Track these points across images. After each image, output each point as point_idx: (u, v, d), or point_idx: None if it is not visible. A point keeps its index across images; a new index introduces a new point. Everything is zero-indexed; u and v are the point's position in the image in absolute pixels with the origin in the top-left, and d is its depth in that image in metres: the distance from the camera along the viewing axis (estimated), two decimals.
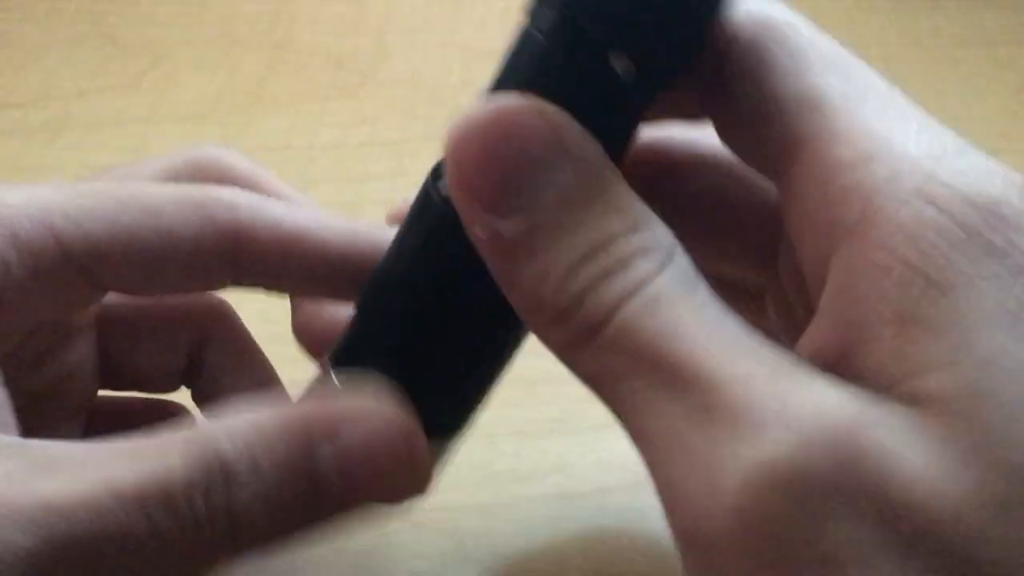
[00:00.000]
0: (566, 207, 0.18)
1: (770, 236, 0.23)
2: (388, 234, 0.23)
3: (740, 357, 0.17)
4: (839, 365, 0.17)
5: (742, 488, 0.15)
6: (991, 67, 0.51)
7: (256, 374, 0.28)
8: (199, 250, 0.23)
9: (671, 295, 0.17)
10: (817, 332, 0.17)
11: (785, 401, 0.16)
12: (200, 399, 0.29)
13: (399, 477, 0.20)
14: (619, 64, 0.19)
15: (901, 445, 0.15)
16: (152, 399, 0.28)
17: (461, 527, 0.31)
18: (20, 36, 0.51)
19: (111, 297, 0.25)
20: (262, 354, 0.28)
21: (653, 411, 0.17)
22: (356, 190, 0.43)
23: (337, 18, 0.53)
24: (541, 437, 0.33)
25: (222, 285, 0.24)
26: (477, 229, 0.18)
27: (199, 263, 0.23)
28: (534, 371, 0.24)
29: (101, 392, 0.27)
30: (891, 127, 0.19)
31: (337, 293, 0.24)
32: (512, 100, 0.18)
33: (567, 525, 0.31)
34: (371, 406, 0.20)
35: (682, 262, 0.18)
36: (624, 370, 0.17)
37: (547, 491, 0.32)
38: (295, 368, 0.27)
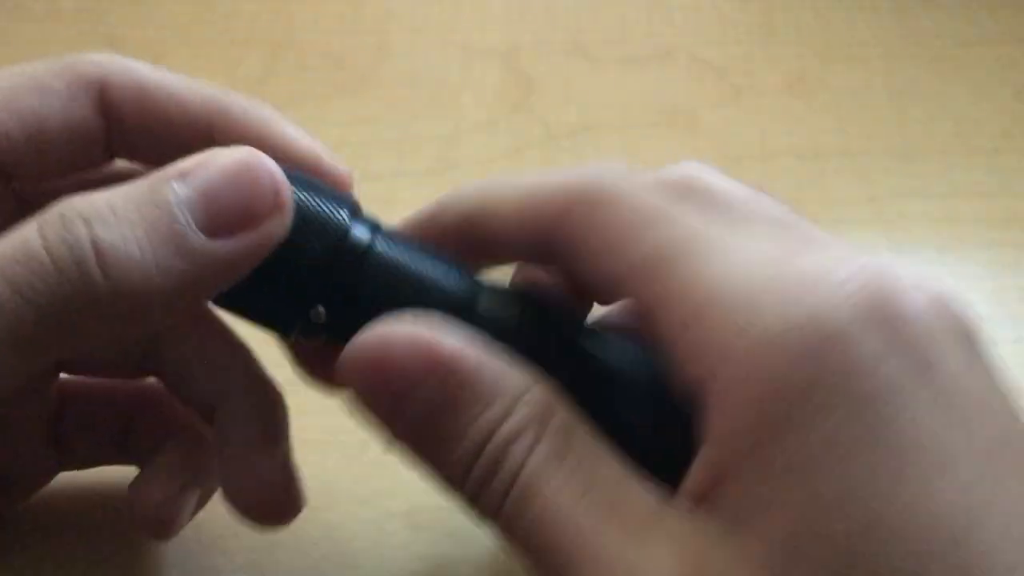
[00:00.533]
0: (445, 411, 0.21)
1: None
2: (257, 108, 0.25)
3: (599, 526, 0.20)
4: (710, 498, 0.19)
5: None
6: (991, 67, 0.51)
7: (221, 344, 0.28)
8: (72, 103, 0.24)
9: (539, 478, 0.20)
10: (696, 470, 0.20)
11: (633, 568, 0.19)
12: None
13: (261, 208, 0.21)
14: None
15: None
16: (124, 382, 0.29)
17: (461, 527, 0.31)
18: (20, 36, 0.51)
19: None
20: (226, 326, 0.28)
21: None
22: (356, 190, 0.42)
23: (337, 18, 0.53)
24: None
25: (104, 158, 0.25)
26: (383, 436, 0.22)
27: (75, 119, 0.24)
28: None
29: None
30: (712, 270, 0.20)
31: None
32: (384, 329, 0.21)
33: None
34: (223, 151, 0.21)
35: (555, 423, 0.21)
36: (519, 552, 0.20)
37: None
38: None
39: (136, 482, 0.28)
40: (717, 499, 0.19)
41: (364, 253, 0.23)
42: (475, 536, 0.31)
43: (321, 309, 0.23)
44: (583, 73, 0.50)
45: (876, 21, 0.53)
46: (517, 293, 0.24)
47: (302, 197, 0.22)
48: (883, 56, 0.51)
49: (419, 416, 0.21)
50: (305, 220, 0.22)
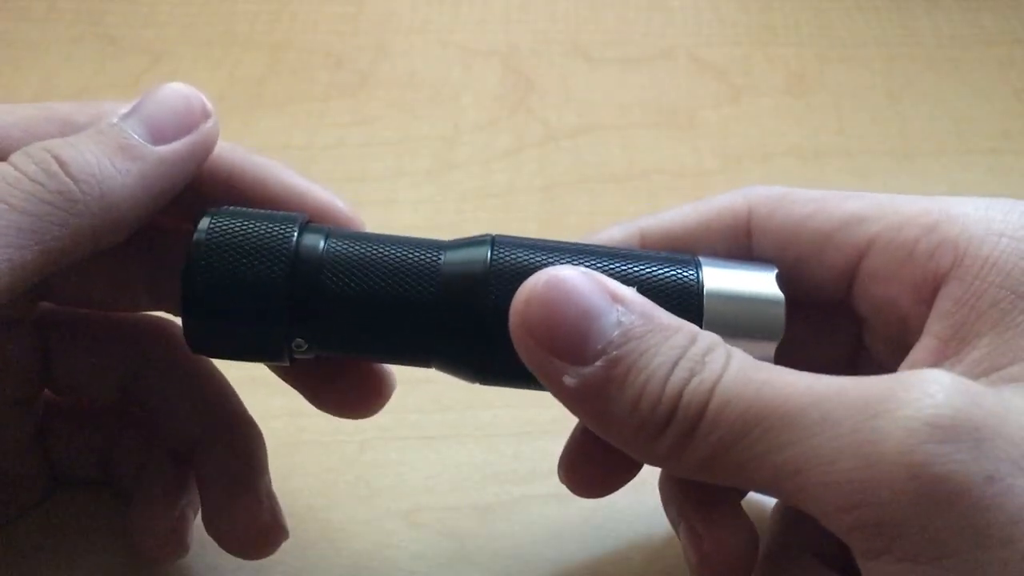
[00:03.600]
0: (633, 340, 0.21)
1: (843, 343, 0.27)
2: (267, 160, 0.27)
3: (840, 380, 0.20)
4: (943, 364, 0.21)
5: (907, 443, 0.18)
6: (991, 67, 0.51)
7: (200, 384, 0.29)
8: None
9: (749, 367, 0.21)
10: (922, 347, 0.22)
11: (908, 380, 0.19)
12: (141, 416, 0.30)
13: (194, 117, 0.25)
14: None
15: (1011, 402, 0.19)
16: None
17: (461, 527, 0.31)
18: (20, 36, 0.51)
19: (48, 306, 0.28)
20: (207, 364, 0.29)
21: (776, 447, 0.19)
22: (356, 190, 0.43)
23: (337, 18, 0.53)
24: (541, 437, 0.33)
25: None
26: (567, 381, 0.21)
27: None
28: None
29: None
30: (932, 205, 0.23)
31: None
32: (555, 269, 0.22)
33: (567, 525, 0.31)
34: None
35: (740, 351, 0.21)
36: (734, 435, 0.20)
37: (547, 491, 0.32)
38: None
39: (136, 511, 0.28)
40: (961, 360, 0.21)
41: (320, 255, 0.24)
42: (476, 536, 0.31)
43: (300, 340, 0.24)
44: (583, 73, 0.50)
45: (876, 21, 0.53)
46: (479, 239, 0.24)
47: (252, 225, 0.24)
48: (883, 56, 0.51)
49: (612, 341, 0.21)
50: (257, 245, 0.23)
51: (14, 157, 0.23)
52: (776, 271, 0.24)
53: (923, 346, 0.22)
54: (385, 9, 0.54)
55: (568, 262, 0.23)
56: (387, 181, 0.44)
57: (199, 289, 0.23)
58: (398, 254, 0.24)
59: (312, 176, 0.27)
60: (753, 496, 0.28)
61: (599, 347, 0.21)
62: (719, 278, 0.24)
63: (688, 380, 0.20)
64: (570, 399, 0.21)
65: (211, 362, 0.29)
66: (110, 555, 0.30)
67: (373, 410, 0.28)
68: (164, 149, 0.24)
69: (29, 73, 0.49)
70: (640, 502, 0.31)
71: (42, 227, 0.21)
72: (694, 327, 0.22)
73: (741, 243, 0.26)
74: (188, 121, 0.25)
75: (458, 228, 0.25)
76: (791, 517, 0.26)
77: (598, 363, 0.21)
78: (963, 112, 0.48)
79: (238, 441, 0.28)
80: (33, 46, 0.50)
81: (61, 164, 0.22)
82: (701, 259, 0.24)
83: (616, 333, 0.21)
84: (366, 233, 0.25)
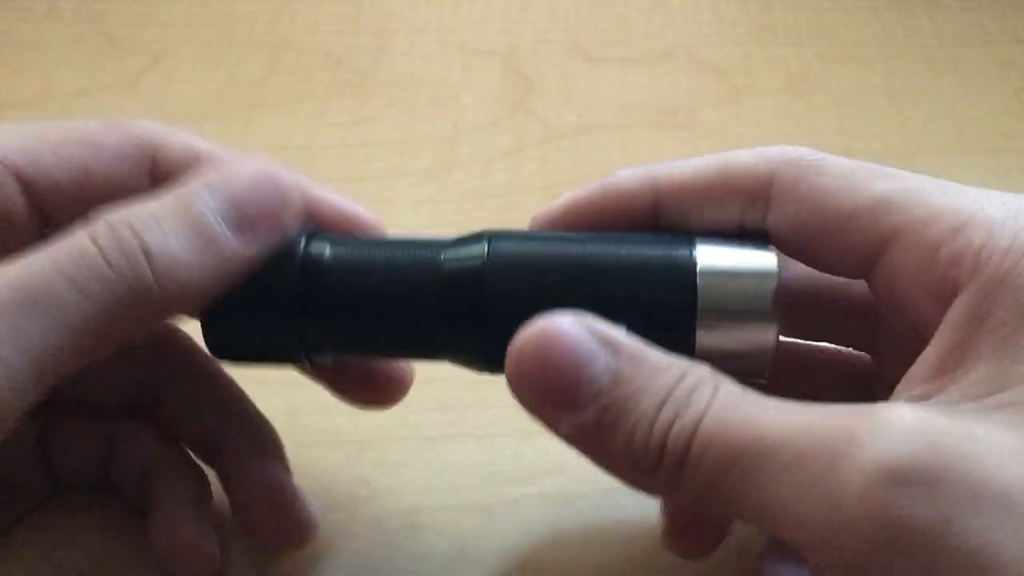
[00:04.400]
0: (622, 384, 0.21)
1: (863, 316, 0.27)
2: (295, 172, 0.26)
3: (808, 414, 0.20)
4: (939, 380, 0.21)
5: (865, 488, 0.18)
6: (991, 67, 0.51)
7: (219, 398, 0.30)
8: (122, 160, 0.26)
9: (732, 403, 0.21)
10: (925, 357, 0.22)
11: (872, 419, 0.19)
12: (165, 430, 0.30)
13: (279, 208, 0.24)
14: None
15: (980, 437, 0.19)
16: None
17: (461, 527, 0.31)
18: (20, 36, 0.51)
19: None
20: (225, 377, 0.30)
21: (752, 488, 0.20)
22: (356, 190, 0.42)
23: (337, 18, 0.53)
24: (541, 437, 0.33)
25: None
26: (563, 428, 0.22)
27: (123, 175, 0.26)
28: None
29: None
30: (962, 202, 0.23)
31: None
32: (546, 319, 0.22)
33: (567, 525, 0.31)
34: (243, 162, 0.24)
35: (728, 383, 0.21)
36: (717, 473, 0.20)
37: (547, 491, 0.32)
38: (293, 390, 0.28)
39: (161, 532, 0.28)
40: (956, 379, 0.21)
41: (326, 259, 0.25)
42: (476, 536, 0.31)
43: (314, 342, 0.25)
44: (583, 73, 0.50)
45: (876, 21, 0.53)
46: (477, 235, 0.25)
47: None
48: (883, 56, 0.51)
49: (602, 388, 0.21)
50: (268, 257, 0.24)
51: (99, 233, 0.22)
52: (775, 253, 0.24)
53: (925, 357, 0.22)
54: (385, 9, 0.54)
55: (562, 252, 0.24)
56: (387, 181, 0.44)
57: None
58: (400, 254, 0.25)
59: (312, 176, 0.27)
60: None
61: (590, 394, 0.21)
62: (714, 268, 0.24)
63: (673, 420, 0.21)
64: (567, 442, 0.22)
65: (223, 367, 0.30)
66: (109, 557, 0.30)
67: (395, 399, 0.29)
68: (245, 247, 0.23)
69: (29, 73, 0.49)
70: (642, 502, 0.30)
71: (109, 319, 0.21)
72: (684, 363, 0.22)
73: (757, 206, 0.25)
74: (274, 216, 0.24)
75: (458, 228, 0.25)
76: None
77: (590, 410, 0.21)
78: (963, 112, 0.48)
79: (265, 440, 0.29)
80: (33, 46, 0.50)
81: (147, 255, 0.22)
82: (696, 240, 0.24)
83: (606, 379, 0.21)
84: (371, 238, 0.26)
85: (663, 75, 0.50)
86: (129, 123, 0.27)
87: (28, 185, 0.25)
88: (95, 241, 0.22)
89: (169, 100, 0.47)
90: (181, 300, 0.22)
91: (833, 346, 0.29)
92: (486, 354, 0.24)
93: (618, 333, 0.22)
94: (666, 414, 0.21)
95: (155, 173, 0.26)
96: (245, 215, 0.23)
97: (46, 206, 0.25)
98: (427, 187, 0.43)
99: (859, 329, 0.28)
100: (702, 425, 0.20)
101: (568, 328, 0.21)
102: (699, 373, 0.21)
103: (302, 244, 0.24)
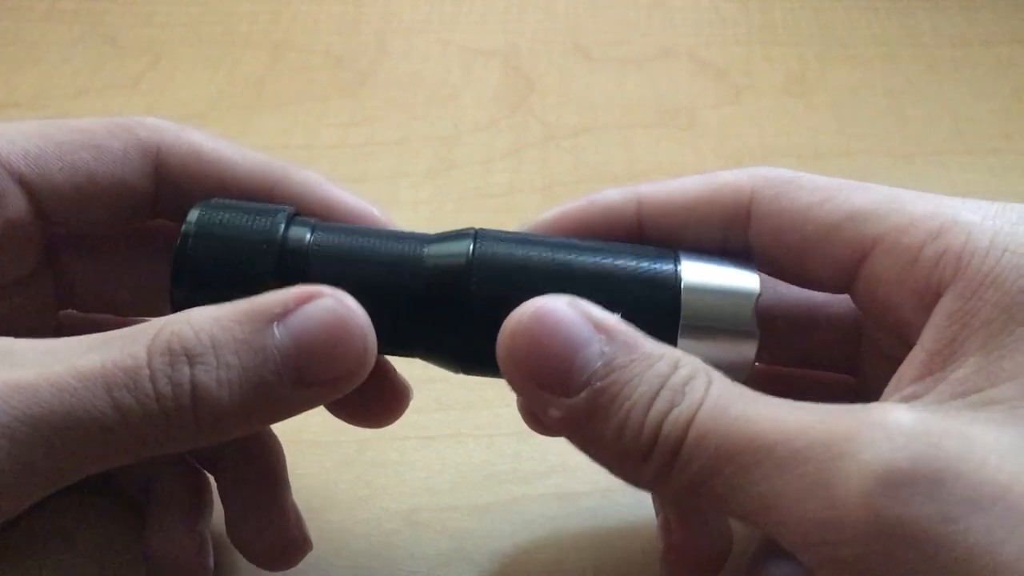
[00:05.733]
0: (616, 371, 0.21)
1: (845, 335, 0.28)
2: (307, 174, 0.26)
3: (803, 413, 0.20)
4: (929, 378, 0.21)
5: (866, 487, 0.18)
6: (991, 67, 0.51)
7: None
8: (126, 164, 0.25)
9: (727, 397, 0.21)
10: (911, 359, 0.22)
11: (871, 419, 0.19)
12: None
13: (348, 358, 0.22)
14: None
15: (976, 437, 0.19)
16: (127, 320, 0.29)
17: (461, 527, 0.31)
18: (20, 36, 0.51)
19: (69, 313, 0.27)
20: None
21: (748, 483, 0.20)
22: (356, 190, 0.42)
23: (337, 18, 0.53)
24: (541, 437, 0.33)
25: (148, 216, 0.27)
26: (553, 412, 0.21)
27: (127, 179, 0.26)
28: None
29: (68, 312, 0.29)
30: (939, 208, 0.23)
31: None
32: (541, 301, 0.22)
33: (567, 525, 0.31)
34: (317, 291, 0.22)
35: (720, 377, 0.21)
36: (711, 468, 0.20)
37: (547, 491, 0.32)
38: None
39: (155, 537, 0.28)
40: (946, 377, 0.21)
41: (306, 247, 0.24)
42: (476, 536, 0.31)
43: None
44: (583, 73, 0.50)
45: (876, 21, 0.53)
46: (462, 232, 0.25)
47: (240, 217, 0.24)
48: (883, 56, 0.51)
49: (595, 373, 0.21)
50: (245, 238, 0.23)
51: (155, 360, 0.20)
52: (757, 272, 0.24)
53: (913, 358, 0.22)
54: (385, 9, 0.54)
55: (548, 256, 0.24)
56: (387, 181, 0.44)
57: (186, 280, 0.23)
58: (383, 246, 0.24)
59: None
60: None
61: (583, 378, 0.21)
62: (698, 283, 0.24)
63: (668, 411, 0.21)
64: (558, 427, 0.22)
65: None
66: (109, 557, 0.30)
67: (390, 420, 0.28)
68: (299, 395, 0.22)
69: (29, 73, 0.49)
70: (640, 502, 0.31)
71: (139, 444, 0.21)
72: (677, 353, 0.22)
73: (738, 224, 0.25)
74: (339, 369, 0.22)
75: (457, 228, 0.25)
76: None
77: (582, 395, 0.21)
78: (963, 112, 0.48)
79: (263, 454, 0.28)
80: (33, 46, 0.50)
81: (194, 395, 0.20)
82: (681, 255, 0.24)
83: (599, 364, 0.21)
84: (353, 226, 0.25)
85: (663, 75, 0.50)
86: (136, 123, 0.26)
87: (32, 191, 0.25)
88: (151, 364, 0.20)
89: (169, 100, 0.47)
90: (212, 434, 0.21)
91: (813, 371, 0.29)
92: (464, 352, 0.24)
93: (612, 319, 0.22)
94: (661, 403, 0.21)
95: (159, 175, 0.26)
96: (311, 375, 0.21)
97: (49, 210, 0.25)
98: (427, 187, 0.43)
99: (841, 349, 0.28)
100: (697, 417, 0.20)
101: (563, 311, 0.21)
102: (693, 363, 0.21)
103: (282, 228, 0.24)
